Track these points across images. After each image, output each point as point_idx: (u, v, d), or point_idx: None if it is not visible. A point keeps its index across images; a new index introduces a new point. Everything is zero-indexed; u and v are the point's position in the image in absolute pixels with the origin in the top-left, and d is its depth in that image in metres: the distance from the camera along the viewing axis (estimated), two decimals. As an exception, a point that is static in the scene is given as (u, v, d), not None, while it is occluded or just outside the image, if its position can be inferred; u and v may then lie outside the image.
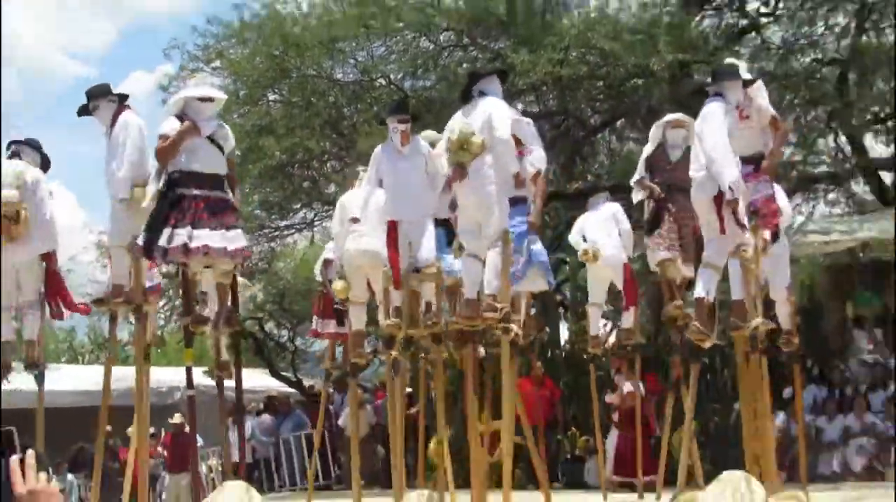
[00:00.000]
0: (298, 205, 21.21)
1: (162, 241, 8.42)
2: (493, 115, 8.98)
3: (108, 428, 12.20)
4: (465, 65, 19.24)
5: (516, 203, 9.74)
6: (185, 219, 8.43)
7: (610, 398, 16.41)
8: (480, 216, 9.08)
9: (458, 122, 9.12)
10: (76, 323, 34.82)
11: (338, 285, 11.49)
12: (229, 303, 9.07)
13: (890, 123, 21.55)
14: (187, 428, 13.31)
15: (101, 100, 9.54)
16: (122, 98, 9.64)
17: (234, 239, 8.63)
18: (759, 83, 10.20)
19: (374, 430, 17.99)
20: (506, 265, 9.13)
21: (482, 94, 9.30)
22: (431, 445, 15.31)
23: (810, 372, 17.40)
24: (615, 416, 16.39)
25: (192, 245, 8.36)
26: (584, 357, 17.90)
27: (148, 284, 9.98)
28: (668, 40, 17.13)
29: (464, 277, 9.46)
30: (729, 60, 12.06)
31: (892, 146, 22.12)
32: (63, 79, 69.57)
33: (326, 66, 19.46)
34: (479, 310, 9.08)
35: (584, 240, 12.92)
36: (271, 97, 20.34)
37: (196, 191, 8.57)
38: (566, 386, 17.85)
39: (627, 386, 15.81)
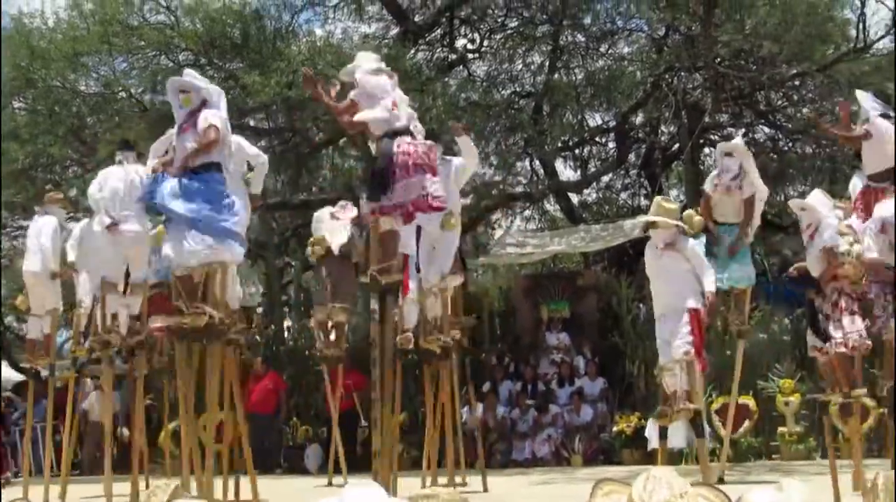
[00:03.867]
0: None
1: None
2: None
3: None
4: (201, 83, 19.83)
5: None
6: None
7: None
8: None
9: None
10: None
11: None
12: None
13: (577, 151, 23.67)
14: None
15: None
16: None
17: None
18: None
19: (116, 419, 17.96)
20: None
21: None
22: (162, 434, 16.14)
23: (507, 368, 18.72)
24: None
25: None
26: (306, 353, 19.02)
27: None
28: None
29: None
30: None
31: (579, 171, 24.24)
32: None
33: (70, 78, 19.67)
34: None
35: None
36: (16, 104, 20.44)
37: None
38: (290, 379, 18.63)
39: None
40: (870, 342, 9.80)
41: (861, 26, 20.03)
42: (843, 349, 9.70)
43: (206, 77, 19.63)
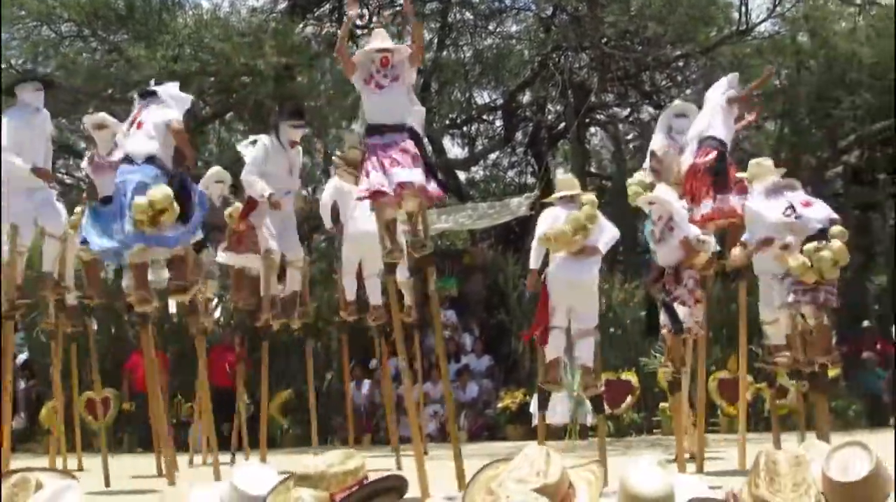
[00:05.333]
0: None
1: None
2: None
3: None
4: (84, 55, 19.52)
5: None
6: None
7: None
8: None
9: None
10: None
11: None
12: None
13: (464, 128, 23.83)
14: None
15: None
16: None
17: None
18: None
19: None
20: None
21: None
22: (43, 411, 15.97)
23: (394, 344, 18.86)
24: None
25: None
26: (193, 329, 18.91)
27: None
28: (274, 44, 18.12)
29: None
30: None
31: (466, 149, 24.41)
32: None
33: (-55, 48, 18.98)
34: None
35: None
36: None
37: None
38: (174, 356, 18.30)
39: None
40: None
41: (743, 9, 20.50)
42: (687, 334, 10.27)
43: (89, 49, 19.57)
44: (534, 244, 9.70)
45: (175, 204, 9.02)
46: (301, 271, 11.96)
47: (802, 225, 9.79)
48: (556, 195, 9.80)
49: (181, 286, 9.75)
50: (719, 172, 10.56)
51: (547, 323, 9.46)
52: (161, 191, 8.96)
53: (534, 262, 9.77)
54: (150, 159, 9.22)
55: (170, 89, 9.87)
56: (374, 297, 12.30)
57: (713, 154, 10.60)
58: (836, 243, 9.72)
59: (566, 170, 21.38)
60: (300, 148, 11.42)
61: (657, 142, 11.46)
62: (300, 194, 11.30)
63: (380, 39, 8.57)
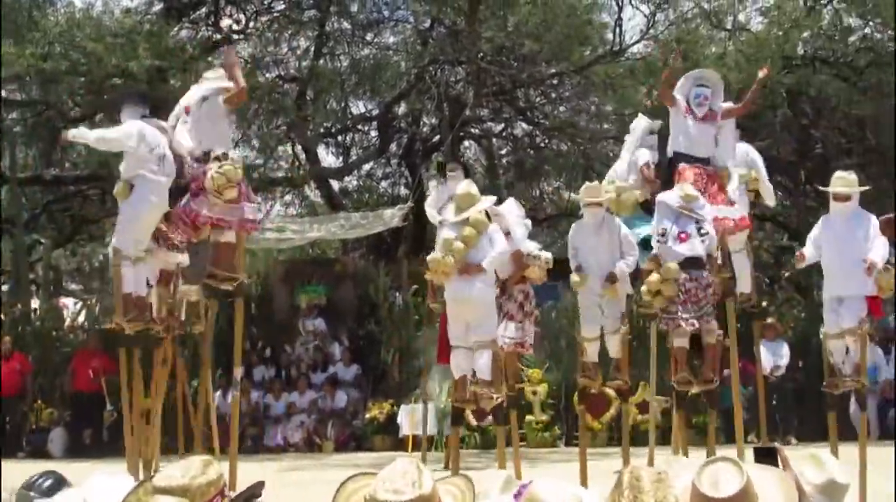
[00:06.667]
0: None
1: None
2: None
3: None
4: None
5: None
6: None
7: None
8: None
9: None
10: None
11: None
12: None
13: (339, 138, 23.78)
14: None
15: None
16: None
17: None
18: None
19: None
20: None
21: None
22: None
23: (262, 353, 18.64)
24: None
25: None
26: (53, 334, 18.56)
27: None
28: (147, 46, 17.83)
29: None
30: None
31: (340, 158, 24.35)
32: None
33: None
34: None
35: None
36: None
37: None
38: (36, 360, 17.98)
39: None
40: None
41: (618, 30, 20.87)
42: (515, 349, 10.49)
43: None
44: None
45: None
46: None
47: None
48: (450, 219, 9.79)
49: None
50: None
51: (448, 342, 9.54)
52: None
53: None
54: None
55: None
56: None
57: None
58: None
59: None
60: None
61: (644, 155, 11.28)
62: None
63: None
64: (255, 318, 19.30)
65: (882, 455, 9.56)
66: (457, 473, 5.36)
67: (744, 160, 10.36)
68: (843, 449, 8.61)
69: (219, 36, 20.80)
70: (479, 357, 9.31)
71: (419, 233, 20.52)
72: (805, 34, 20.26)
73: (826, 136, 19.73)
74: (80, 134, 9.19)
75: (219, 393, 15.46)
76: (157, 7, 20.81)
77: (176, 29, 20.04)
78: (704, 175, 9.64)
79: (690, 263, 9.27)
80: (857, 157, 19.72)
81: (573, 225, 10.12)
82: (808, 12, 20.21)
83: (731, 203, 9.68)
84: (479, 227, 9.31)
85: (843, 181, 9.09)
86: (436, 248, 9.57)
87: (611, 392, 13.31)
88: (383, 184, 25.09)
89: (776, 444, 6.89)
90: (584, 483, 9.40)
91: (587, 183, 10.52)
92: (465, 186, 9.66)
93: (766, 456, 4.80)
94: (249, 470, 12.73)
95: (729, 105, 10.00)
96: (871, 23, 20.39)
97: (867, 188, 9.81)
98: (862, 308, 8.91)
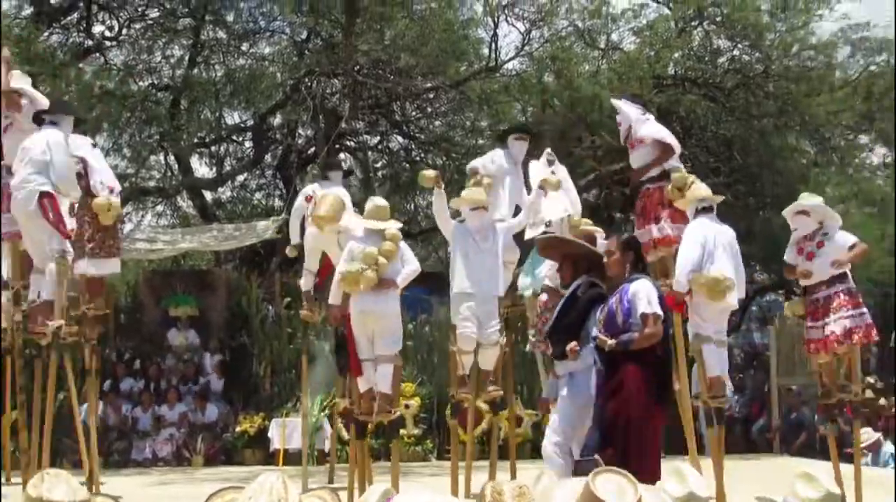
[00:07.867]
0: None
1: None
2: None
3: None
4: None
5: None
6: None
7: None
8: None
9: None
10: None
11: None
12: None
13: (213, 148, 23.55)
14: None
15: None
16: None
17: None
18: None
19: None
20: None
21: None
22: None
23: (130, 365, 18.33)
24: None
25: None
26: None
27: None
28: (17, 51, 17.22)
29: None
30: None
31: (214, 168, 24.11)
32: None
33: None
34: None
35: None
36: None
37: None
38: None
39: None
40: None
41: (493, 46, 21.08)
42: None
43: None
44: (335, 279, 9.69)
45: None
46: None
47: None
48: (368, 226, 9.79)
49: None
50: None
51: (357, 356, 9.53)
52: None
53: (332, 298, 9.79)
54: None
55: None
56: None
57: None
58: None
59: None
60: None
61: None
62: None
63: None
64: (123, 329, 19.05)
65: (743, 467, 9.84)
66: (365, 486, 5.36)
67: None
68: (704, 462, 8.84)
69: (90, 42, 20.54)
70: (381, 371, 9.37)
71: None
72: (676, 55, 20.74)
73: (694, 155, 20.13)
74: None
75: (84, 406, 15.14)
76: (27, 11, 20.34)
77: (46, 34, 19.66)
78: None
79: None
80: (724, 177, 20.19)
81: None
82: (680, 33, 20.69)
83: None
84: (396, 242, 9.43)
85: None
86: (345, 258, 9.58)
87: (483, 405, 13.39)
88: (257, 195, 24.89)
89: (596, 456, 6.97)
90: (455, 494, 9.51)
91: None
92: (379, 199, 9.86)
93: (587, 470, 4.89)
94: (115, 484, 12.68)
95: None
96: (739, 45, 20.95)
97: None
98: None
